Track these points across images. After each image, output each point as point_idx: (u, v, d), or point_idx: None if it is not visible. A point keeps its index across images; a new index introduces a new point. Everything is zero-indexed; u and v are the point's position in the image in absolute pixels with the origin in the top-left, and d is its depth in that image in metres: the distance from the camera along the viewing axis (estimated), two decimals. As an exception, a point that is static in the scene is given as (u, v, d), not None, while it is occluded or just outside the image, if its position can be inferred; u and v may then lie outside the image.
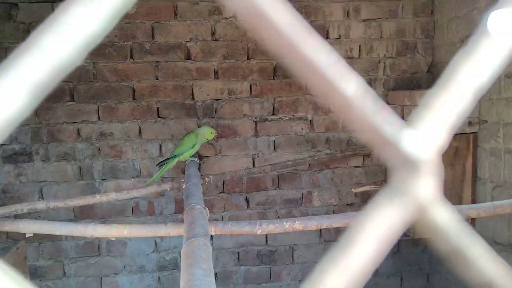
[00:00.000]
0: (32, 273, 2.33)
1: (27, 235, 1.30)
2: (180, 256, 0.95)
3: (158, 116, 2.41)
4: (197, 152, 2.04)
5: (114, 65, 2.35)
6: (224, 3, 0.18)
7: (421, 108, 0.20)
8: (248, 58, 2.44)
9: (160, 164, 2.04)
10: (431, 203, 0.19)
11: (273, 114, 2.48)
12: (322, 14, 2.45)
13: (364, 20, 2.48)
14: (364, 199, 2.57)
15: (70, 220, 2.32)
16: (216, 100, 2.44)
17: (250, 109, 2.46)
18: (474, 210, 1.36)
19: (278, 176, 2.51)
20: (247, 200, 2.52)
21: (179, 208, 2.42)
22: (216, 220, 2.26)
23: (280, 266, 2.57)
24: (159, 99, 2.40)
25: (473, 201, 2.16)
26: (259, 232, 1.31)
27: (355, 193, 2.51)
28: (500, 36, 0.20)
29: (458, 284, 2.24)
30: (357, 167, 2.56)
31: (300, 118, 2.50)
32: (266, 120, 2.48)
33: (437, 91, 0.20)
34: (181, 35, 2.38)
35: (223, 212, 2.50)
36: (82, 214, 2.39)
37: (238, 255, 2.54)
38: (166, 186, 1.82)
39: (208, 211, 1.29)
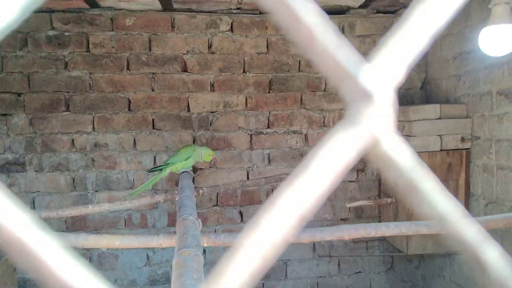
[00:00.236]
0: (21, 286, 2.28)
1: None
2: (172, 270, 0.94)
3: (153, 128, 2.41)
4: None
5: (111, 76, 2.36)
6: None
7: (380, 46, 0.21)
8: (244, 72, 2.46)
9: (152, 170, 2.02)
10: (385, 135, 0.20)
11: (268, 127, 2.49)
12: (318, 30, 2.49)
13: (359, 36, 2.52)
14: (358, 214, 2.57)
15: (61, 231, 2.29)
16: (211, 112, 2.45)
17: (245, 122, 2.47)
18: (467, 225, 1.36)
19: (272, 189, 2.50)
20: (240, 214, 2.50)
21: (172, 221, 2.40)
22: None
23: (273, 282, 2.54)
24: (154, 111, 2.40)
25: (467, 217, 2.16)
26: (251, 244, 1.30)
27: (349, 208, 2.50)
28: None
29: (452, 300, 2.23)
30: (351, 181, 2.56)
31: (294, 132, 2.51)
32: (261, 133, 2.48)
33: (395, 30, 0.20)
34: (178, 47, 2.40)
35: (217, 225, 2.48)
36: (74, 226, 2.36)
37: (231, 269, 2.51)
38: (159, 198, 1.81)
39: (200, 223, 1.28)
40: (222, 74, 2.44)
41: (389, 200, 2.31)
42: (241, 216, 2.50)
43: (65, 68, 2.33)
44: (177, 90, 2.41)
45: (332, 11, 2.45)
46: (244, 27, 2.44)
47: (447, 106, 2.20)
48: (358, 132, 0.19)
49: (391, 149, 0.20)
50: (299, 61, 2.49)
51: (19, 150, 2.30)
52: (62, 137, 2.34)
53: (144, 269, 2.44)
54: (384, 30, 2.53)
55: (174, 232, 1.30)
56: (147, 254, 2.44)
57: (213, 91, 2.44)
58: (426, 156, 2.15)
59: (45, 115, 2.32)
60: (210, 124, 2.45)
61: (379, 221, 2.53)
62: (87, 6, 2.28)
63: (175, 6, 2.33)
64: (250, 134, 2.48)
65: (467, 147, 2.19)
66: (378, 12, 2.51)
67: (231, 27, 2.44)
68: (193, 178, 1.92)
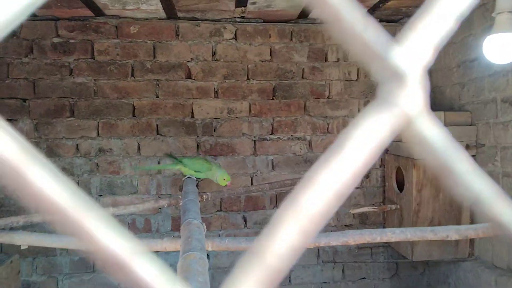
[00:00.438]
0: (24, 291, 2.28)
1: (22, 247, 1.28)
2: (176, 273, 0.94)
3: (158, 134, 2.42)
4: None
5: (115, 83, 2.38)
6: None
7: (406, 29, 0.21)
8: (248, 79, 2.47)
9: (170, 156, 2.00)
10: (418, 115, 0.20)
11: (272, 133, 2.50)
12: (321, 38, 2.50)
13: (363, 44, 2.52)
14: (363, 220, 2.56)
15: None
16: (215, 118, 2.45)
17: (249, 128, 2.47)
18: (473, 230, 1.35)
19: (276, 195, 2.50)
20: (244, 219, 2.50)
21: (176, 225, 2.40)
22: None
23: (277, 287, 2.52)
24: (158, 117, 2.41)
25: (472, 224, 2.15)
26: (256, 249, 1.30)
27: (353, 214, 2.50)
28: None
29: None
30: (355, 187, 2.56)
31: (298, 138, 2.51)
32: (265, 139, 2.49)
33: (421, 12, 0.21)
34: (182, 55, 2.42)
35: (220, 230, 2.48)
36: (77, 231, 2.36)
37: (234, 275, 2.50)
38: (164, 202, 1.81)
39: (205, 227, 1.28)
40: (226, 81, 2.45)
41: (393, 206, 2.30)
42: (245, 221, 2.50)
43: (70, 74, 2.35)
44: (181, 97, 2.43)
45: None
46: (247, 35, 2.46)
47: (451, 114, 2.20)
48: (393, 113, 0.19)
49: (425, 129, 0.20)
50: (303, 69, 2.51)
51: (24, 156, 2.31)
52: (67, 142, 2.35)
53: (147, 275, 2.43)
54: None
55: (178, 237, 1.30)
56: (150, 260, 2.43)
57: (217, 97, 2.45)
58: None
59: (50, 120, 2.33)
60: (214, 130, 2.45)
61: (384, 228, 2.52)
62: (92, 14, 2.30)
63: (180, 14, 2.35)
64: (254, 140, 2.48)
65: (472, 155, 2.18)
66: (381, 21, 2.52)
67: (235, 35, 2.45)
68: (197, 183, 1.92)
